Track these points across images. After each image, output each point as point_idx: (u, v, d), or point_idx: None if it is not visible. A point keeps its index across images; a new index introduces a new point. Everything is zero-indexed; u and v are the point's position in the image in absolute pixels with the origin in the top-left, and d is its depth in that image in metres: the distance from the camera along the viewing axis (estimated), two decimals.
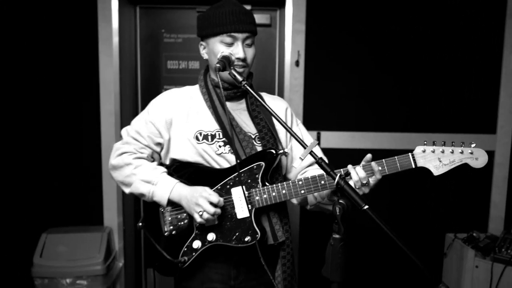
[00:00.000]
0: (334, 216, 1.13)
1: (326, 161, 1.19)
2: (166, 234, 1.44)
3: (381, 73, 2.71)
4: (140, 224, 1.47)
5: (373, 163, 1.30)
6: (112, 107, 2.64)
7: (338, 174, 1.14)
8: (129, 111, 2.86)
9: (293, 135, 1.20)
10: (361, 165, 1.31)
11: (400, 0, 2.65)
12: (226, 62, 1.36)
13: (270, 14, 2.89)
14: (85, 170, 2.70)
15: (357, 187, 1.29)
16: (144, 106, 2.83)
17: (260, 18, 2.86)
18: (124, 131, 1.56)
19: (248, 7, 2.83)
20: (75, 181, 2.70)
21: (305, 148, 1.18)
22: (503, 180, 2.77)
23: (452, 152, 1.28)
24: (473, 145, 1.29)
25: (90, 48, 2.59)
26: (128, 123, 2.64)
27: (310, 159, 1.55)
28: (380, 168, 1.29)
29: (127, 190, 1.49)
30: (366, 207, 1.10)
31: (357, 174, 1.28)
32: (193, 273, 1.47)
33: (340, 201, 1.14)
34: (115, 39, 2.61)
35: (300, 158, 1.16)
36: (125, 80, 2.75)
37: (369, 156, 1.31)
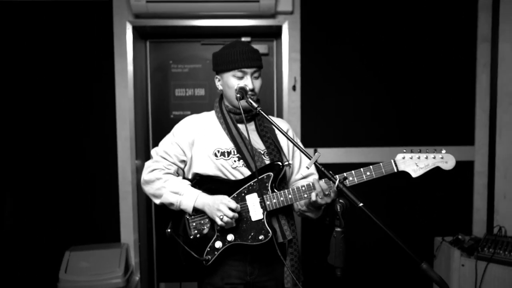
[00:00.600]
0: (336, 213, 1.40)
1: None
2: (191, 237, 1.70)
3: (370, 94, 3.02)
4: (169, 230, 1.74)
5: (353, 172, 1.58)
6: (127, 133, 2.91)
7: (338, 179, 1.41)
8: (141, 136, 3.13)
9: (299, 148, 1.49)
10: (324, 180, 1.57)
11: (385, 31, 2.98)
12: (243, 92, 1.66)
13: (268, 45, 3.21)
14: (103, 190, 2.94)
15: (319, 197, 1.55)
16: (155, 131, 3.15)
17: (259, 48, 3.16)
18: (153, 152, 1.83)
19: (248, 39, 3.16)
20: (94, 201, 2.94)
21: (309, 159, 1.46)
22: (483, 187, 3.05)
23: (427, 157, 1.56)
24: (443, 151, 1.57)
25: (108, 79, 2.88)
26: (142, 147, 2.95)
27: (304, 172, 1.85)
28: (368, 173, 1.57)
29: (157, 201, 1.76)
30: (361, 204, 1.38)
31: (320, 186, 1.55)
32: (215, 271, 1.71)
33: (340, 200, 1.41)
34: (130, 71, 2.90)
35: (306, 167, 1.44)
36: (137, 108, 3.03)
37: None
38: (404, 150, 1.58)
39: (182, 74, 3.23)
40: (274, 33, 3.13)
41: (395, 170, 1.57)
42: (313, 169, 1.82)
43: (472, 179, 3.07)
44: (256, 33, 3.12)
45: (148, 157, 3.17)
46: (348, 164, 2.98)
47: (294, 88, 2.94)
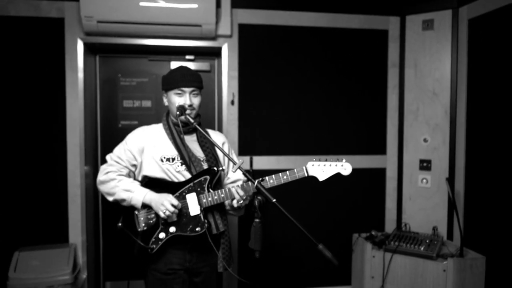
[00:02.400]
0: (254, 206, 1.77)
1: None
2: (139, 229, 2.00)
3: (299, 109, 3.45)
4: (120, 224, 2.03)
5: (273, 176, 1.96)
6: (77, 140, 3.13)
7: (256, 180, 1.79)
8: (90, 143, 3.35)
9: (227, 156, 1.87)
10: (240, 186, 1.95)
11: (311, 54, 3.44)
12: (182, 110, 2.01)
13: (210, 62, 3.56)
14: (53, 193, 3.13)
15: (240, 202, 1.94)
16: (103, 139, 3.41)
17: (201, 65, 3.52)
18: (108, 157, 2.13)
19: (191, 57, 3.50)
20: (44, 204, 3.12)
21: (234, 164, 1.83)
22: (393, 190, 3.58)
23: (330, 165, 1.98)
24: (343, 160, 1.99)
25: (59, 91, 3.09)
26: (90, 154, 3.18)
27: (234, 176, 2.22)
28: (285, 177, 1.96)
29: (111, 198, 2.05)
30: (274, 200, 1.76)
31: (239, 195, 1.94)
32: (159, 258, 2.03)
33: (258, 197, 1.79)
34: (80, 84, 3.12)
35: (232, 170, 1.81)
36: (87, 117, 3.25)
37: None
38: (314, 159, 1.99)
39: (130, 87, 3.50)
40: (215, 53, 3.48)
41: (306, 175, 1.97)
42: (241, 175, 2.19)
43: (384, 183, 3.59)
44: (199, 52, 3.46)
45: (96, 163, 3.42)
46: (279, 170, 3.36)
47: (232, 102, 3.31)
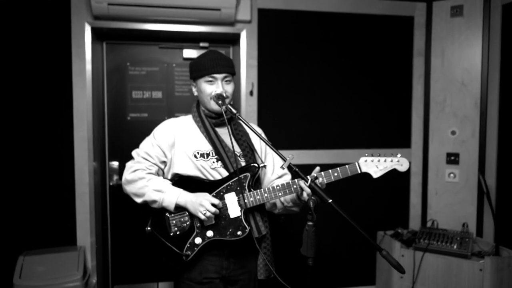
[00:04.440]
0: (309, 208, 1.57)
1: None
2: (171, 234, 1.78)
3: (323, 100, 3.25)
4: (149, 228, 1.81)
5: (323, 173, 1.75)
6: (85, 134, 2.88)
7: (310, 178, 1.59)
8: (98, 137, 3.11)
9: (275, 151, 1.64)
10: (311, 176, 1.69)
11: (337, 42, 3.24)
12: (220, 98, 1.80)
13: (225, 50, 3.33)
14: (59, 192, 2.88)
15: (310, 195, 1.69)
16: (111, 132, 3.16)
17: None
18: (134, 153, 1.89)
19: (205, 44, 3.26)
20: (49, 204, 2.87)
21: (285, 160, 1.62)
22: (418, 185, 3.42)
23: (385, 160, 1.78)
24: (399, 155, 1.80)
25: (65, 80, 2.83)
26: (98, 149, 2.93)
27: (279, 172, 2.00)
28: (335, 174, 1.76)
29: (139, 200, 1.82)
30: (330, 200, 1.56)
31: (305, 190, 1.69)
32: (193, 265, 1.81)
33: (312, 197, 1.59)
34: (88, 73, 2.87)
35: (282, 167, 1.60)
36: (95, 109, 3.00)
37: (317, 168, 1.73)
38: (366, 154, 1.79)
39: (139, 77, 3.25)
40: (231, 40, 3.25)
41: (359, 171, 1.77)
42: (286, 169, 1.97)
43: (409, 178, 3.42)
44: (214, 39, 3.23)
45: (104, 158, 3.18)
46: (302, 165, 3.17)
47: (251, 93, 3.10)
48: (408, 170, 3.36)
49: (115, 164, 3.21)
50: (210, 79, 1.85)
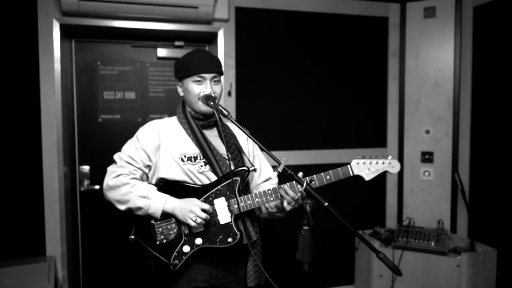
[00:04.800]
0: (305, 212, 1.52)
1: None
2: (158, 242, 1.68)
3: (301, 99, 3.23)
4: (132, 236, 1.70)
5: (315, 176, 1.71)
6: (54, 138, 2.71)
7: (305, 181, 1.54)
8: (67, 141, 2.94)
9: (269, 154, 1.58)
10: (288, 185, 1.64)
11: (315, 41, 3.22)
12: (210, 99, 1.71)
13: None
14: (27, 200, 2.70)
15: (291, 204, 1.65)
16: (81, 135, 2.98)
17: None
18: (116, 156, 1.77)
19: (181, 43, 3.16)
20: (15, 212, 2.68)
21: (279, 163, 1.56)
22: (394, 184, 3.46)
23: (377, 163, 1.77)
24: (389, 157, 1.79)
25: (32, 81, 2.65)
26: (68, 154, 2.77)
27: (265, 175, 1.95)
28: (328, 177, 1.72)
29: (122, 207, 1.71)
30: (326, 204, 1.53)
31: (289, 196, 1.63)
32: (181, 275, 1.72)
33: (308, 201, 1.54)
34: (57, 72, 2.70)
35: (277, 170, 1.54)
36: (64, 111, 2.83)
37: (300, 173, 1.61)
38: (358, 156, 1.77)
39: (111, 76, 3.10)
40: (207, 39, 3.17)
41: (351, 174, 1.75)
42: (271, 172, 1.93)
43: (385, 177, 3.46)
44: (190, 37, 3.13)
45: (74, 163, 3.01)
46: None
47: (229, 93, 3.02)
48: None
49: (86, 168, 3.05)
50: (199, 79, 1.77)
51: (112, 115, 3.12)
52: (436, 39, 3.25)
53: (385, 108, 3.44)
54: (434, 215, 3.31)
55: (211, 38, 3.12)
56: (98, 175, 3.05)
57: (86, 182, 3.05)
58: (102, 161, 2.91)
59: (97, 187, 3.04)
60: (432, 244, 2.95)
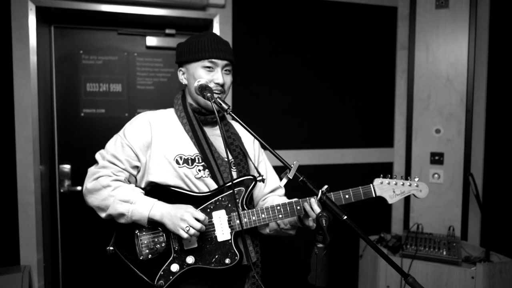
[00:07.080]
0: (320, 227, 1.27)
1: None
2: (142, 258, 1.41)
3: (303, 95, 2.97)
4: (111, 248, 1.43)
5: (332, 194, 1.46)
6: (29, 133, 2.43)
7: (320, 191, 1.29)
8: (45, 136, 2.65)
9: (278, 157, 1.32)
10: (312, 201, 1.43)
11: (318, 33, 2.96)
12: (208, 90, 1.44)
13: None
14: None
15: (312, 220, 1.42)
16: (61, 131, 2.70)
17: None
18: (98, 155, 1.50)
19: (172, 31, 2.88)
20: None
21: (289, 168, 1.30)
22: None
23: (403, 184, 1.53)
24: (416, 179, 1.55)
25: (4, 70, 2.36)
26: (46, 152, 2.46)
27: (272, 184, 1.69)
28: (347, 196, 1.47)
29: (103, 215, 1.44)
30: (345, 217, 1.28)
31: (312, 210, 1.42)
32: None
33: (324, 214, 1.29)
34: (33, 60, 2.42)
35: (288, 177, 1.28)
36: (41, 104, 2.55)
37: (325, 186, 1.37)
38: (382, 175, 1.55)
39: (95, 67, 2.81)
40: (201, 26, 2.89)
41: (374, 195, 1.51)
42: (278, 181, 1.68)
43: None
44: (182, 25, 2.85)
45: (53, 162, 2.73)
46: (278, 167, 2.89)
47: None
48: (390, 170, 3.21)
49: (66, 167, 2.77)
50: (210, 64, 1.51)
51: (96, 109, 2.83)
52: (448, 32, 3.01)
53: (393, 105, 3.20)
54: (443, 221, 3.08)
55: (206, 26, 2.85)
56: (80, 175, 2.76)
57: (66, 183, 2.77)
58: (84, 160, 2.63)
59: (79, 188, 2.76)
60: (444, 253, 2.72)
